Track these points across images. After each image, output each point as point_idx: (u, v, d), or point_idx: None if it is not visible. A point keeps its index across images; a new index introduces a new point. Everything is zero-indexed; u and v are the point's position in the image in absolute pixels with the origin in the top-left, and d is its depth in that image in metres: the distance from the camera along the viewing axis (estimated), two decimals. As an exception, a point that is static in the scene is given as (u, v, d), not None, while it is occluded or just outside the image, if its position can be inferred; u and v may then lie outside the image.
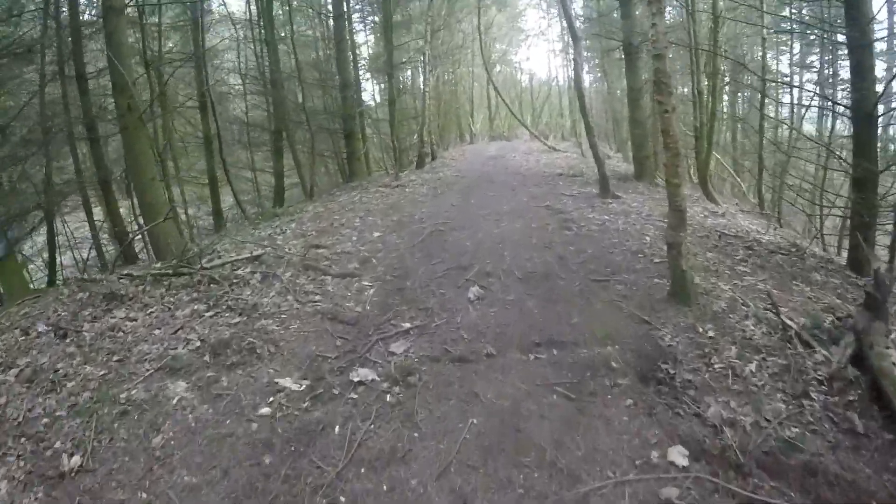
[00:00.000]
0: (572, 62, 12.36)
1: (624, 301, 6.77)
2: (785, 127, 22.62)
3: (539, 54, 74.07)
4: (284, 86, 20.10)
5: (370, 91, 30.23)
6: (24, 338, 6.26)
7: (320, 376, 5.45)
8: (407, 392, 5.10)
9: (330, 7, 20.71)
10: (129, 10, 16.09)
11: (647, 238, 9.39)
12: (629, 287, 7.24)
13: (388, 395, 5.07)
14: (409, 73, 28.27)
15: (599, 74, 34.83)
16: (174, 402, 5.00)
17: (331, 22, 21.86)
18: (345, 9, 19.86)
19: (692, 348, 5.50)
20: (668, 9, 20.85)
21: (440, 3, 25.62)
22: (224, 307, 7.18)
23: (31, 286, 13.99)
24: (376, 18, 24.23)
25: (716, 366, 5.16)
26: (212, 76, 21.45)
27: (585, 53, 34.09)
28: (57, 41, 14.56)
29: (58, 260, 15.80)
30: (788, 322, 5.73)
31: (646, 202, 12.53)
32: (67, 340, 6.18)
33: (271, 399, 5.05)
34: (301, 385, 5.31)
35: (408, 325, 6.53)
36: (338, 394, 5.12)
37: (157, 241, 11.21)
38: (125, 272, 8.96)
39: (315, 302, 7.51)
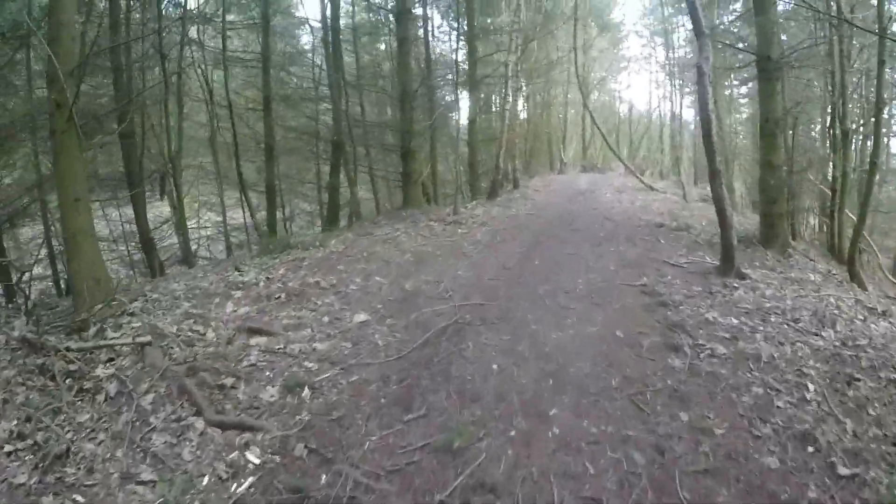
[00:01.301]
0: (695, 70, 7.46)
1: None
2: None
3: (639, 84, 68.44)
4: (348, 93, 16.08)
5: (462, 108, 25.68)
6: None
7: None
8: None
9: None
10: None
11: (811, 386, 4.72)
12: None
13: None
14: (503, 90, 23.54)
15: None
16: None
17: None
18: (411, 4, 15.32)
19: None
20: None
21: (533, 14, 21.16)
22: (32, 442, 3.94)
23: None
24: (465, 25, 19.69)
25: None
26: (276, 79, 17.64)
27: (683, 80, 28.99)
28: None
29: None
30: None
31: (785, 288, 7.73)
32: None
33: None
34: None
35: None
36: None
37: (78, 280, 7.16)
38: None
39: (143, 485, 3.40)
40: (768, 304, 6.85)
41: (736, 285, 7.63)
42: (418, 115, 16.03)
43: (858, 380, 4.83)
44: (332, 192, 17.29)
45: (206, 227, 20.42)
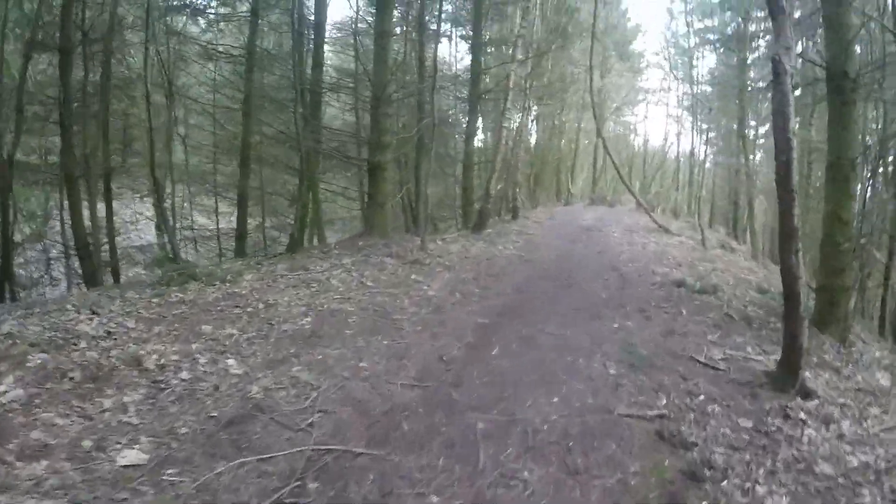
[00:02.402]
0: (770, 66, 4.03)
1: None
2: None
3: (656, 117, 64.74)
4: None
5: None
6: None
7: None
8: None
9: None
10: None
11: None
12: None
13: None
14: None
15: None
16: None
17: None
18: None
19: None
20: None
21: (547, 30, 18.14)
22: None
23: None
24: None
25: None
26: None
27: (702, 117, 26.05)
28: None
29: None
30: None
31: (865, 414, 4.78)
32: None
33: None
34: None
35: None
36: None
37: None
38: None
39: None
40: (855, 461, 3.85)
41: (802, 416, 4.54)
42: (395, 124, 12.98)
43: None
44: (299, 209, 14.27)
45: (190, 229, 17.57)
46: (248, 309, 6.07)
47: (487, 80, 17.22)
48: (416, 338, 5.59)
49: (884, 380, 6.13)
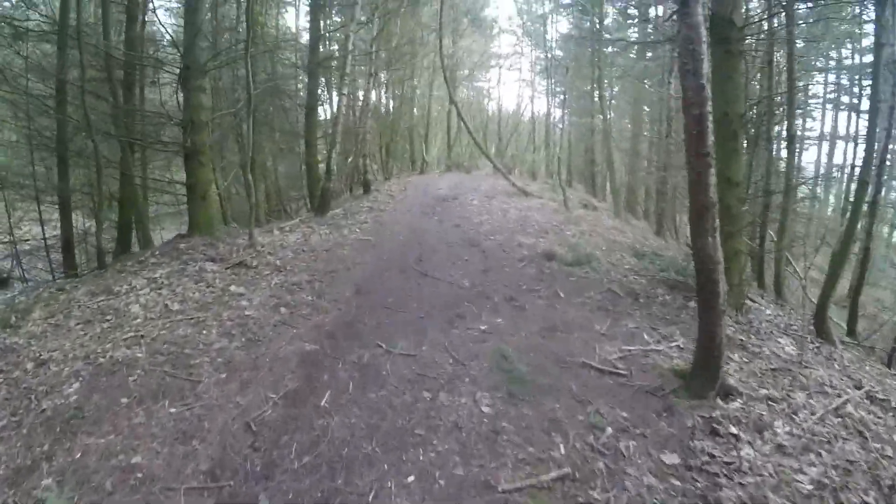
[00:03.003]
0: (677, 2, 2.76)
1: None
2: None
3: (509, 81, 64.65)
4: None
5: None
6: None
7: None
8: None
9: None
10: None
11: None
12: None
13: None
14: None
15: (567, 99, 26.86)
16: None
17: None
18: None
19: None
20: None
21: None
22: None
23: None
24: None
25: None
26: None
27: (560, 79, 25.75)
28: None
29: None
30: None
31: (791, 405, 4.08)
32: None
33: None
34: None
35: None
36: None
37: None
38: None
39: None
40: (807, 482, 3.13)
41: (732, 430, 3.63)
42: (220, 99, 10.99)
43: None
44: (120, 208, 11.76)
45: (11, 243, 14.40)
46: (15, 374, 4.19)
47: (336, 47, 15.47)
48: (218, 394, 3.96)
49: (789, 346, 5.60)
